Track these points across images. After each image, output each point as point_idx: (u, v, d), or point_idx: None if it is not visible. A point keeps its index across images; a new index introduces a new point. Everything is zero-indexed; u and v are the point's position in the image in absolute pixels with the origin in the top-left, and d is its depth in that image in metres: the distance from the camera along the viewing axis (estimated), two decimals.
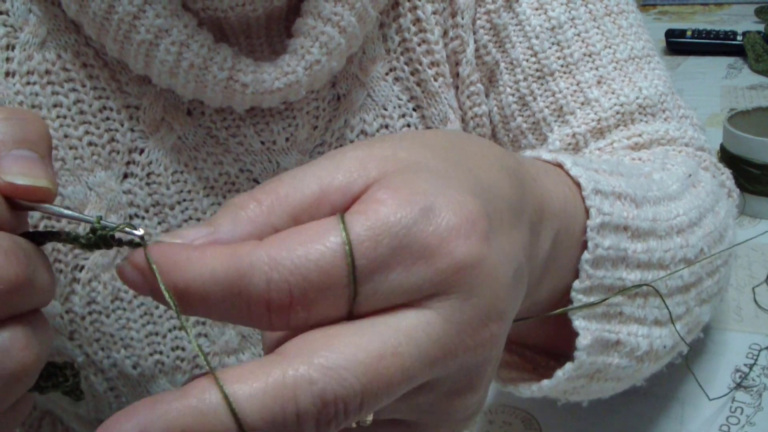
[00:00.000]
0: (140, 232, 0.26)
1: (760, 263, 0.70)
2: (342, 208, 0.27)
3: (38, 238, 0.29)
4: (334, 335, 0.25)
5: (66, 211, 0.28)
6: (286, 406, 0.23)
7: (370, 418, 0.27)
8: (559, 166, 0.39)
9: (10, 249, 0.26)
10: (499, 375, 0.41)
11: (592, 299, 0.37)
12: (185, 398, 0.23)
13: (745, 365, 0.56)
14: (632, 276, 0.39)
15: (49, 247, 0.50)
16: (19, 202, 0.28)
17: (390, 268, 0.25)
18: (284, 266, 0.24)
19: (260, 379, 0.23)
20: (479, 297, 0.26)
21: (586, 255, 0.36)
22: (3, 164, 0.27)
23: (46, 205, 0.28)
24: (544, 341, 0.42)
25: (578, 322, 0.37)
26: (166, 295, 0.25)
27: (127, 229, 0.27)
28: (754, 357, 0.57)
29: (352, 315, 0.25)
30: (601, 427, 0.51)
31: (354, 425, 0.27)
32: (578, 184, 0.37)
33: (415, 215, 0.25)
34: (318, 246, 0.25)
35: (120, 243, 0.27)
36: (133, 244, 0.26)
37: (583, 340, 0.37)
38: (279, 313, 0.25)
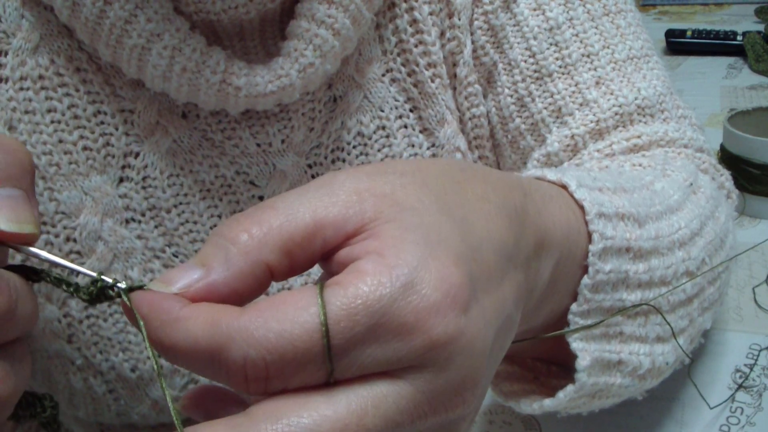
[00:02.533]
0: (126, 285, 0.27)
1: (760, 263, 0.70)
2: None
3: (31, 276, 0.29)
4: (302, 403, 0.25)
5: (56, 259, 0.29)
6: None
7: None
8: (564, 187, 0.38)
9: None
10: (500, 389, 0.41)
11: (589, 321, 0.37)
12: None
13: (746, 365, 0.56)
14: (633, 296, 0.38)
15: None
16: (3, 243, 0.28)
17: (366, 345, 0.25)
18: (261, 345, 0.25)
19: None
20: (454, 370, 0.26)
21: (586, 280, 0.36)
22: None
23: (33, 249, 0.29)
24: (543, 355, 0.42)
25: (576, 344, 0.37)
26: (149, 350, 0.26)
27: (119, 285, 0.28)
28: (755, 357, 0.57)
29: (329, 382, 0.26)
30: (602, 427, 0.51)
31: None
32: (582, 207, 0.37)
33: (394, 292, 0.25)
34: (295, 326, 0.25)
35: (119, 294, 0.28)
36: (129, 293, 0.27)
37: (582, 362, 0.36)
38: (256, 383, 0.25)
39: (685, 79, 1.28)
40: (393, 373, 0.26)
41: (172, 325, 0.26)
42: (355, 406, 0.25)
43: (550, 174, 0.39)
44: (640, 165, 0.52)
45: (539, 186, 0.37)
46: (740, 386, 0.54)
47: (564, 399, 0.37)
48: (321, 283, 0.26)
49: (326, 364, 0.25)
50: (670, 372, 0.45)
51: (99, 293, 0.28)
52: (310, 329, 0.25)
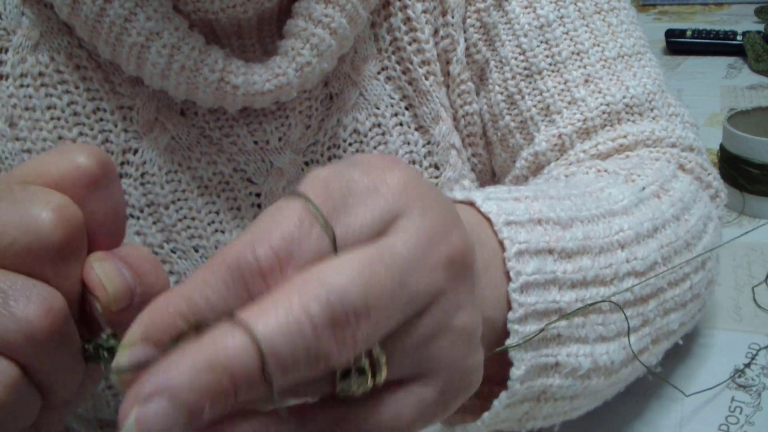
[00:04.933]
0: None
1: (760, 263, 0.70)
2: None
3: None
4: (319, 265, 0.26)
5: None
6: (300, 320, 0.24)
7: (383, 374, 0.27)
8: (471, 203, 0.38)
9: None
10: (448, 420, 0.40)
11: (527, 328, 0.36)
12: (207, 338, 0.24)
13: (745, 365, 0.56)
14: (567, 297, 0.38)
15: None
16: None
17: (350, 207, 0.27)
18: (262, 239, 0.26)
19: (274, 307, 0.24)
20: (434, 208, 0.28)
21: (511, 285, 0.36)
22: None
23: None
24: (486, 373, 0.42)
25: (513, 353, 0.36)
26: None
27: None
28: (753, 357, 0.57)
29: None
30: (601, 427, 0.51)
31: (370, 382, 0.27)
32: (490, 220, 0.37)
33: (351, 164, 0.28)
34: (284, 214, 0.26)
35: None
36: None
37: (516, 371, 0.36)
38: (272, 274, 0.26)
39: (685, 79, 1.28)
40: (385, 232, 0.27)
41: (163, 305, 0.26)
42: (370, 252, 0.26)
43: (458, 194, 0.40)
44: (605, 171, 0.52)
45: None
46: (738, 385, 0.54)
47: (499, 407, 0.37)
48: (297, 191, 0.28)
49: (325, 230, 0.26)
50: (629, 372, 0.44)
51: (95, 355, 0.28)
52: (298, 209, 0.26)
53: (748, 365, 0.56)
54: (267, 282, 0.25)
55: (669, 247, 0.45)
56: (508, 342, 0.36)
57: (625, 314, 0.41)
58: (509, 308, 0.36)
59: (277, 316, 0.24)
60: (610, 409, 0.47)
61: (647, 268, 0.43)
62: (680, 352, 0.56)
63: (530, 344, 0.37)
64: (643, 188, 0.48)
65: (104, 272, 0.28)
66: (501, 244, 0.36)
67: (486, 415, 0.37)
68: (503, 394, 0.36)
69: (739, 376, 0.55)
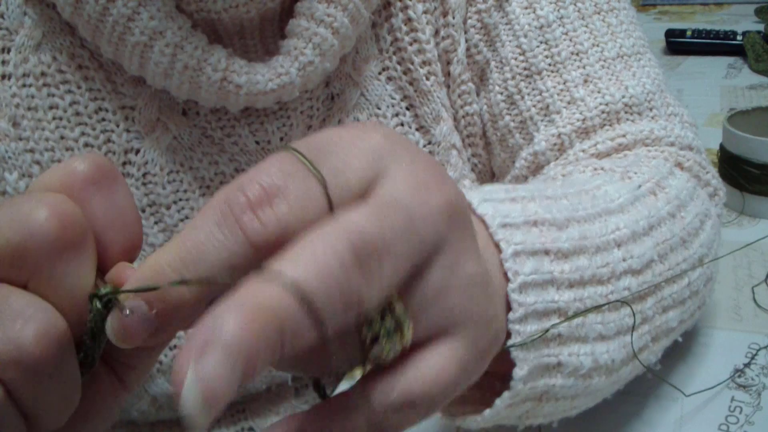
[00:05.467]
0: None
1: (760, 263, 0.70)
2: None
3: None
4: (332, 215, 0.26)
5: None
6: (328, 261, 0.24)
7: (410, 333, 0.27)
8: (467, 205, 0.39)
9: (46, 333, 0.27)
10: (448, 411, 0.40)
11: (528, 328, 0.36)
12: (244, 287, 0.24)
13: (744, 365, 0.56)
14: (565, 296, 0.38)
15: None
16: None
17: (333, 153, 0.27)
18: (247, 177, 0.26)
19: (303, 251, 0.25)
20: (419, 160, 0.29)
21: (510, 285, 0.36)
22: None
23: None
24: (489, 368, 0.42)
25: (516, 353, 0.36)
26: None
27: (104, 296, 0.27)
28: (753, 356, 0.57)
29: (329, 208, 0.27)
30: (600, 427, 0.51)
31: (399, 346, 0.27)
32: (484, 222, 0.37)
33: (333, 127, 0.29)
34: (270, 157, 0.27)
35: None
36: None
37: (519, 371, 0.36)
38: (262, 207, 0.26)
39: (685, 79, 1.28)
40: (376, 180, 0.28)
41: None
42: (376, 198, 0.27)
43: None
44: (601, 169, 0.52)
45: None
46: (738, 385, 0.54)
47: (501, 406, 0.37)
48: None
49: (310, 169, 0.26)
50: (629, 371, 0.45)
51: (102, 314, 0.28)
52: (281, 152, 0.27)
53: (747, 365, 0.56)
54: (258, 216, 0.25)
55: (665, 245, 0.45)
56: (510, 343, 0.36)
57: (633, 312, 0.41)
58: (509, 309, 0.36)
59: (306, 262, 0.24)
60: (609, 408, 0.47)
61: (644, 265, 0.43)
62: (680, 352, 0.56)
63: (532, 345, 0.37)
64: (639, 186, 0.48)
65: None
66: (497, 246, 0.37)
67: (487, 412, 0.37)
68: (506, 394, 0.37)
69: (739, 376, 0.55)
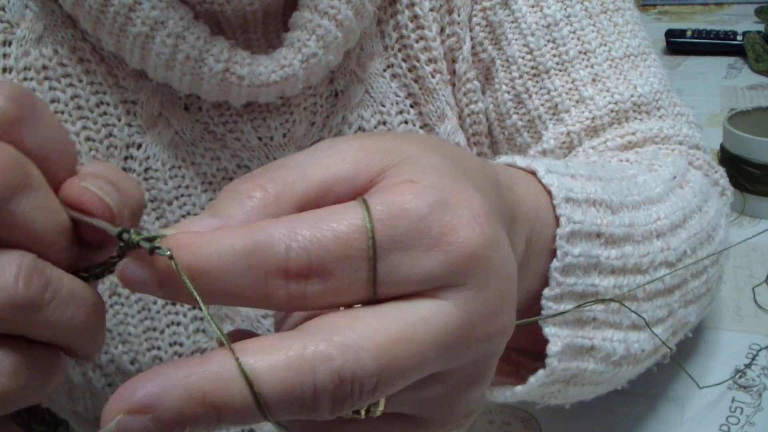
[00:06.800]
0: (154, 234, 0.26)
1: (760, 263, 0.70)
2: (347, 199, 0.27)
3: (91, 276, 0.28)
4: (354, 317, 0.25)
5: (98, 222, 0.27)
6: (304, 380, 0.23)
7: (380, 408, 0.27)
8: (533, 173, 0.38)
9: (30, 267, 0.25)
10: None
11: (562, 306, 0.37)
12: (206, 364, 0.23)
13: (745, 365, 0.56)
14: (605, 282, 0.38)
15: None
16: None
17: (408, 249, 0.25)
18: (303, 236, 0.25)
19: (280, 352, 0.24)
20: (491, 288, 0.27)
21: (555, 263, 0.36)
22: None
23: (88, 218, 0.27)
24: (523, 344, 0.42)
25: (548, 329, 0.37)
26: (186, 282, 0.24)
27: (144, 234, 0.26)
28: (754, 357, 0.57)
29: (370, 300, 0.26)
30: (601, 427, 0.51)
31: (364, 415, 0.27)
32: (550, 192, 0.37)
33: (430, 205, 0.26)
34: (341, 222, 0.25)
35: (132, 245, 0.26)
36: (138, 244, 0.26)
37: (553, 347, 0.36)
38: (297, 281, 0.25)
39: (685, 79, 1.28)
40: (433, 292, 0.26)
41: (203, 240, 0.25)
42: (405, 322, 0.25)
43: (520, 161, 0.39)
44: (627, 160, 0.52)
45: (508, 170, 0.37)
46: (739, 385, 0.54)
47: (535, 384, 0.37)
48: (361, 197, 0.26)
49: (369, 262, 0.25)
50: (651, 362, 0.45)
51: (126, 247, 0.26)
52: (356, 222, 0.25)
53: (748, 365, 0.56)
54: (288, 287, 0.25)
55: (695, 238, 0.46)
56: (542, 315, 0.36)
57: (631, 311, 0.41)
58: (546, 283, 0.36)
59: (283, 372, 0.23)
60: (610, 409, 0.47)
61: (677, 258, 0.44)
62: (680, 352, 0.56)
63: (565, 323, 0.37)
64: (674, 177, 0.48)
65: (98, 188, 0.27)
66: (556, 219, 0.36)
67: (519, 388, 0.37)
68: (541, 372, 0.37)
69: (740, 377, 0.55)
